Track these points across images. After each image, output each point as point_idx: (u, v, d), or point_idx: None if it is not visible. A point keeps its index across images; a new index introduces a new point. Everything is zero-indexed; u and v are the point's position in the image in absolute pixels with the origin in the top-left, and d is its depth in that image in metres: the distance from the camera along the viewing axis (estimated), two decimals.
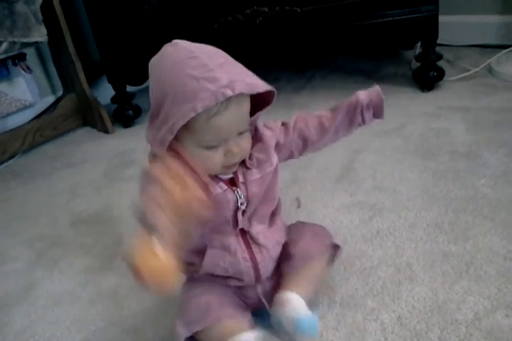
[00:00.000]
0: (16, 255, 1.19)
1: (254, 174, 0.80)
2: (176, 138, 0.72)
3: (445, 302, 0.88)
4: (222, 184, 0.78)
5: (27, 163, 1.67)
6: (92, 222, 1.29)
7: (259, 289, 0.87)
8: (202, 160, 0.74)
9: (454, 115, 1.52)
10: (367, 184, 1.25)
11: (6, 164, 1.67)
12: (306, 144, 0.87)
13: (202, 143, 0.73)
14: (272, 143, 0.82)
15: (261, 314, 0.87)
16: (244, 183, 0.79)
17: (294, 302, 0.81)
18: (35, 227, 1.30)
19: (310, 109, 1.67)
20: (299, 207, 1.20)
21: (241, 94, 0.69)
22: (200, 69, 0.69)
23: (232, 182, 0.80)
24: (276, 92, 0.76)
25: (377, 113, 0.87)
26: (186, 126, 0.70)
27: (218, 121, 0.69)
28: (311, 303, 0.84)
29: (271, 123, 0.85)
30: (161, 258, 0.62)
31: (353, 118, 0.86)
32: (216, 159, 0.74)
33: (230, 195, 0.78)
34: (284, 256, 0.89)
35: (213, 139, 0.72)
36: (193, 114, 0.67)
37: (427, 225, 1.07)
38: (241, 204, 0.79)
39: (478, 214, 1.07)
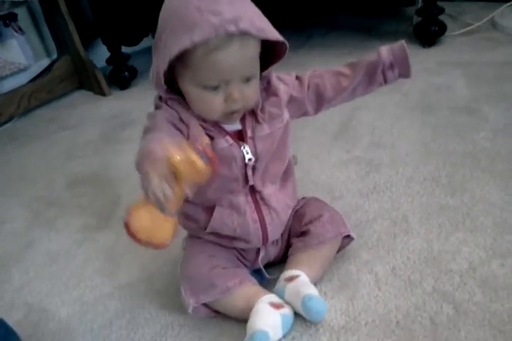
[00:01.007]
0: (14, 216, 1.20)
1: (264, 129, 0.77)
2: (176, 77, 0.71)
3: (440, 253, 0.87)
4: (228, 137, 0.75)
5: (23, 127, 1.65)
6: (88, 182, 1.28)
7: (262, 253, 0.86)
8: (201, 102, 0.71)
9: (455, 70, 1.48)
10: (365, 140, 1.23)
11: (2, 128, 1.65)
12: (321, 101, 0.83)
13: (200, 82, 0.69)
14: (285, 97, 0.79)
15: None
16: (253, 138, 0.76)
17: (304, 284, 0.79)
18: (32, 189, 1.30)
19: (309, 68, 1.67)
20: (295, 163, 1.18)
21: (246, 34, 0.65)
22: (207, 2, 0.65)
23: (240, 137, 0.77)
24: (288, 46, 0.72)
25: (403, 71, 0.80)
26: (184, 62, 0.67)
27: (217, 57, 0.65)
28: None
29: (285, 76, 0.80)
30: (156, 214, 0.61)
31: (374, 77, 0.81)
32: (216, 103, 0.70)
33: (236, 151, 0.76)
34: (297, 228, 0.88)
35: (211, 78, 0.68)
36: (188, 43, 0.63)
37: (424, 179, 1.06)
38: (249, 159, 0.76)
39: (476, 167, 1.06)
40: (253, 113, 0.77)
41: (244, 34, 0.65)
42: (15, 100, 1.67)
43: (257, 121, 0.77)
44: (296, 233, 0.88)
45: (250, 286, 0.81)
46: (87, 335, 0.84)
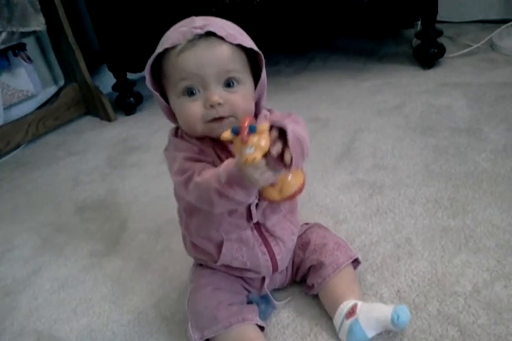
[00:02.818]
0: (22, 242, 1.21)
1: None
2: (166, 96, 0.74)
3: (444, 275, 0.88)
4: None
5: (31, 153, 1.68)
6: (95, 208, 1.30)
7: (267, 280, 0.87)
8: (183, 113, 0.73)
9: (455, 91, 1.50)
10: (367, 162, 1.25)
11: (10, 155, 1.68)
12: None
13: (176, 88, 0.71)
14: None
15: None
16: None
17: (369, 308, 0.78)
18: (41, 215, 1.32)
19: (310, 91, 1.70)
20: None
21: (216, 37, 0.69)
22: (185, 23, 0.72)
23: None
24: (263, 57, 0.74)
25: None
26: (163, 73, 0.72)
27: (184, 56, 0.69)
28: None
29: (277, 115, 0.81)
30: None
31: None
32: (194, 109, 0.71)
33: None
34: (301, 256, 0.88)
35: (182, 78, 0.70)
36: (160, 50, 0.70)
37: (427, 201, 1.07)
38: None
39: (477, 189, 1.07)
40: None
41: (210, 35, 0.69)
42: (23, 127, 1.70)
43: None
44: (300, 261, 0.89)
45: (251, 327, 0.80)
46: None
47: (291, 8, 1.62)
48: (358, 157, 1.28)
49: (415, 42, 1.77)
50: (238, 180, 0.66)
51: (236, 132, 0.62)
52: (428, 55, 1.67)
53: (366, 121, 1.45)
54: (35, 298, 1.03)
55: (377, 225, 1.03)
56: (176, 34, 0.70)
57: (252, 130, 0.61)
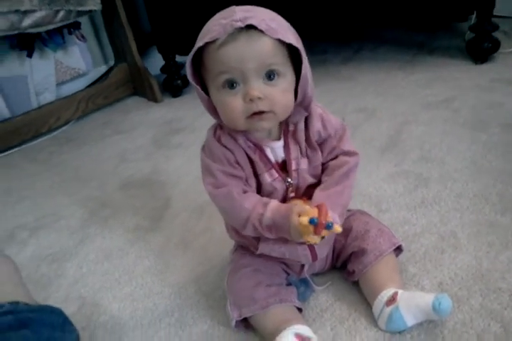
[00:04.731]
0: (69, 213, 1.26)
1: (307, 163, 0.79)
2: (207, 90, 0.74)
3: (489, 270, 0.87)
4: (273, 171, 0.78)
5: (79, 130, 1.73)
6: (140, 185, 1.33)
7: (306, 266, 0.87)
8: (224, 108, 0.72)
9: (508, 88, 1.47)
10: (413, 154, 1.24)
11: (60, 130, 1.74)
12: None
13: (216, 80, 0.70)
14: (316, 136, 0.79)
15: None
16: (297, 171, 0.79)
17: (409, 296, 0.77)
18: (87, 189, 1.36)
19: (358, 82, 1.68)
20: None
21: (256, 30, 0.67)
22: (225, 15, 0.70)
23: (284, 167, 0.79)
24: (302, 54, 0.71)
25: None
26: (204, 66, 0.71)
27: (225, 50, 0.68)
28: None
29: (331, 119, 0.80)
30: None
31: None
32: (235, 103, 0.70)
33: (279, 184, 0.78)
34: (342, 242, 0.89)
35: (222, 71, 0.69)
36: (201, 44, 0.68)
37: (474, 195, 1.05)
38: (290, 192, 0.79)
39: None
40: (296, 141, 0.78)
41: (251, 29, 0.67)
42: (73, 104, 1.75)
43: (301, 152, 0.79)
44: (341, 247, 0.89)
45: (288, 308, 0.81)
46: (137, 330, 0.88)
47: None
48: (404, 149, 1.27)
49: (468, 35, 1.72)
50: (279, 231, 0.75)
51: (314, 223, 0.68)
52: (482, 50, 1.63)
53: (414, 113, 1.43)
54: (81, 266, 1.06)
55: (422, 217, 1.02)
56: (217, 27, 0.68)
57: (329, 228, 0.68)
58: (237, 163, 0.78)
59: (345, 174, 0.80)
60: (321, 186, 0.80)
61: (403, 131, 1.35)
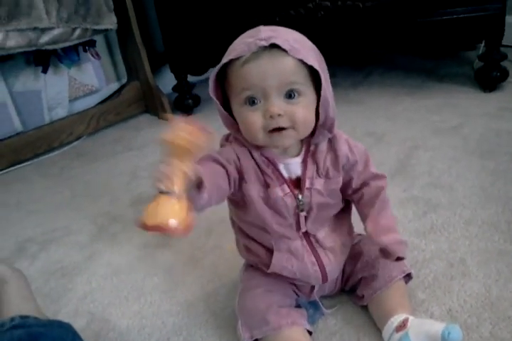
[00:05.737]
0: (79, 228, 1.26)
1: (323, 184, 0.79)
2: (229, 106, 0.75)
3: (498, 299, 0.87)
4: (285, 186, 0.78)
5: (91, 145, 1.75)
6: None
7: (316, 288, 0.87)
8: (244, 122, 0.74)
9: None
10: (422, 180, 1.25)
11: (71, 145, 1.76)
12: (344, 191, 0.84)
13: (238, 97, 0.72)
14: (343, 160, 0.80)
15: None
16: (310, 190, 0.79)
17: (420, 322, 0.78)
18: (97, 204, 1.37)
19: (367, 106, 1.70)
20: None
21: (280, 50, 0.69)
22: (251, 33, 0.73)
23: (298, 184, 0.79)
24: (322, 75, 0.72)
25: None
26: (228, 82, 0.74)
27: (248, 67, 0.70)
28: None
29: (356, 145, 0.82)
30: (162, 200, 0.62)
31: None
32: (254, 118, 0.72)
33: (290, 200, 0.78)
34: (351, 267, 0.89)
35: (244, 88, 0.71)
36: (225, 61, 0.71)
37: (483, 223, 1.06)
38: (301, 210, 0.79)
39: None
40: (314, 161, 0.78)
41: (274, 48, 0.69)
42: (85, 120, 1.78)
43: (317, 172, 0.79)
44: (351, 271, 0.90)
45: (300, 331, 0.81)
46: None
47: (354, 23, 1.64)
48: (413, 174, 1.28)
49: (477, 64, 1.75)
50: None
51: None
52: (490, 78, 1.66)
53: (423, 139, 1.45)
54: (90, 281, 1.07)
55: (431, 243, 1.03)
56: (242, 45, 0.71)
57: None
58: (237, 167, 0.77)
59: (384, 200, 0.81)
60: (371, 218, 0.80)
61: (412, 156, 1.36)
